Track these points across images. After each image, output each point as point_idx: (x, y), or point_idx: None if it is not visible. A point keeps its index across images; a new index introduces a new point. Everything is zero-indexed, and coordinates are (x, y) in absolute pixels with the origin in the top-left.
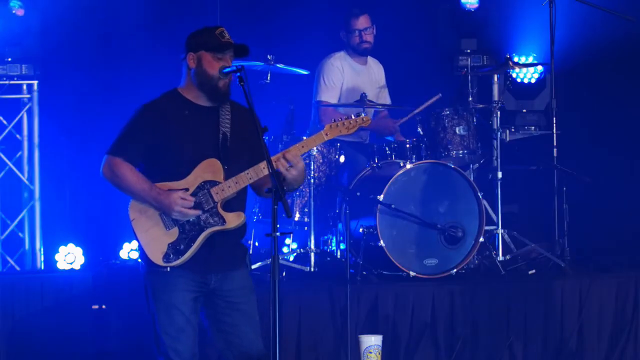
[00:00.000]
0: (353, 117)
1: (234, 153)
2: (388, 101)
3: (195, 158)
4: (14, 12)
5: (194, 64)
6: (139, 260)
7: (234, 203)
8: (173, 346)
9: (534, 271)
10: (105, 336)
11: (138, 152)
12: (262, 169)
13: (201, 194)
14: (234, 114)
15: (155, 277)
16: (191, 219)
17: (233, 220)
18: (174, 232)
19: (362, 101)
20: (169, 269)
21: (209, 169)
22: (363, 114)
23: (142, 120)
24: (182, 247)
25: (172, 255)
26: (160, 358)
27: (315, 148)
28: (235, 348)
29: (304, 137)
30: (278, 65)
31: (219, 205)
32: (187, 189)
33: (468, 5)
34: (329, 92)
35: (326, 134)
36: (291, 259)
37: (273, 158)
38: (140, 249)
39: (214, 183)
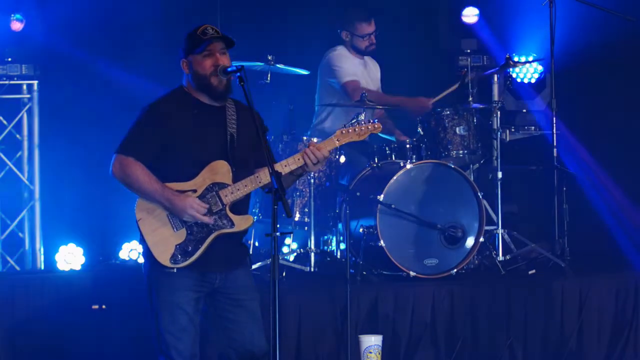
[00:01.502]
0: (364, 124)
1: (241, 154)
2: None
3: (203, 159)
4: (12, 27)
5: (188, 69)
6: (140, 259)
7: (240, 205)
8: (175, 345)
9: (534, 271)
10: (105, 336)
11: (148, 151)
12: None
13: (209, 196)
14: (239, 113)
15: (160, 277)
16: (200, 221)
17: (242, 223)
18: (182, 233)
19: (362, 101)
20: (175, 269)
21: (217, 170)
22: (375, 121)
23: (151, 119)
24: (190, 248)
25: (179, 257)
26: (161, 357)
27: None
28: (238, 345)
29: (304, 137)
30: (278, 65)
31: (227, 207)
32: (195, 190)
33: (466, 20)
34: (351, 73)
35: (337, 140)
36: (291, 259)
37: (305, 150)
38: (146, 248)
39: (222, 185)
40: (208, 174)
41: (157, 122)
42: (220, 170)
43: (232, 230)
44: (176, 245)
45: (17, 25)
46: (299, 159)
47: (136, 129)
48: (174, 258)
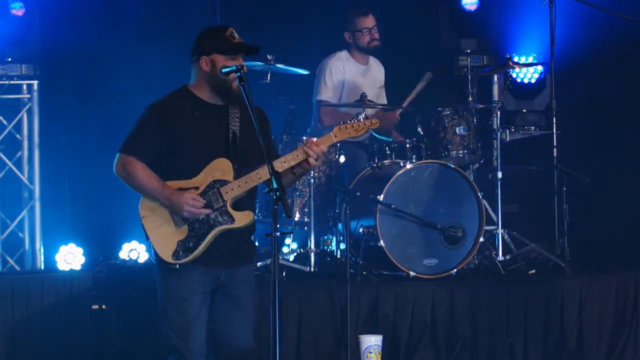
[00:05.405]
0: (362, 120)
1: (244, 152)
2: (385, 102)
3: (205, 157)
4: (13, 12)
5: (208, 67)
6: (140, 259)
7: (244, 202)
8: (182, 341)
9: (534, 271)
10: (105, 336)
11: (150, 150)
12: None
13: (211, 193)
14: (242, 112)
15: (166, 273)
16: (201, 217)
17: (242, 219)
18: (184, 230)
19: (361, 101)
20: (178, 266)
21: (219, 168)
22: (373, 117)
23: (153, 119)
24: (191, 244)
25: (181, 253)
26: (170, 356)
27: None
28: (220, 337)
29: (304, 137)
30: (278, 65)
31: (228, 204)
32: (197, 188)
33: (467, 6)
34: (329, 92)
35: (335, 136)
36: (291, 259)
37: (306, 145)
38: (151, 245)
39: (223, 182)
40: (210, 171)
41: (159, 122)
42: (222, 167)
43: (233, 226)
44: (178, 242)
45: (18, 12)
46: (297, 156)
47: (138, 128)
48: (175, 254)
